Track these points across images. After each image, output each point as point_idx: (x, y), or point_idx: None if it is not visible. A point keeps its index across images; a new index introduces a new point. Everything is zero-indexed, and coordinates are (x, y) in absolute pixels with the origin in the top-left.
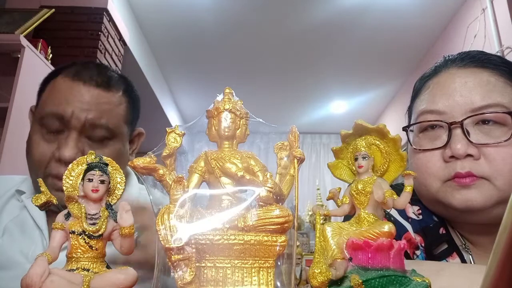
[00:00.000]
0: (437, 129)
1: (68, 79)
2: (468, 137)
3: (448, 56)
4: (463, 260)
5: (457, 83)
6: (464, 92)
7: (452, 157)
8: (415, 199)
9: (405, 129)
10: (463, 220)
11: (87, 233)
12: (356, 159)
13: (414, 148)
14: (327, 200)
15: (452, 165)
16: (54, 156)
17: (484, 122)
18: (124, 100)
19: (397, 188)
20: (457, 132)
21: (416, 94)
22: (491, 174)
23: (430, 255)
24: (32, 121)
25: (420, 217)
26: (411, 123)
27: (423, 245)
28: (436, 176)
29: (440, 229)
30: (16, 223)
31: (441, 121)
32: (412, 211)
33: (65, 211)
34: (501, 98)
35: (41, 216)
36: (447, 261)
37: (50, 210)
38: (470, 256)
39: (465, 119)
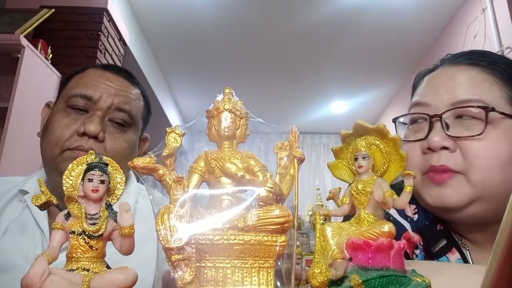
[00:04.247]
0: (422, 122)
1: (98, 69)
2: (446, 129)
3: (448, 54)
4: (463, 255)
5: (444, 78)
6: (449, 86)
7: (429, 149)
8: (411, 197)
9: (394, 120)
10: (445, 218)
11: (87, 233)
12: (356, 159)
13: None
14: (327, 200)
15: (428, 157)
16: (78, 132)
17: (464, 116)
18: (142, 99)
19: (397, 188)
20: (437, 124)
21: (413, 90)
22: (466, 168)
23: (429, 253)
24: (53, 108)
25: (416, 216)
26: None
27: (421, 244)
28: (416, 168)
29: (437, 226)
30: (17, 224)
31: (424, 113)
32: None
33: (65, 211)
34: (486, 94)
35: (43, 217)
36: (446, 257)
37: (53, 212)
38: (467, 251)
39: (444, 112)
